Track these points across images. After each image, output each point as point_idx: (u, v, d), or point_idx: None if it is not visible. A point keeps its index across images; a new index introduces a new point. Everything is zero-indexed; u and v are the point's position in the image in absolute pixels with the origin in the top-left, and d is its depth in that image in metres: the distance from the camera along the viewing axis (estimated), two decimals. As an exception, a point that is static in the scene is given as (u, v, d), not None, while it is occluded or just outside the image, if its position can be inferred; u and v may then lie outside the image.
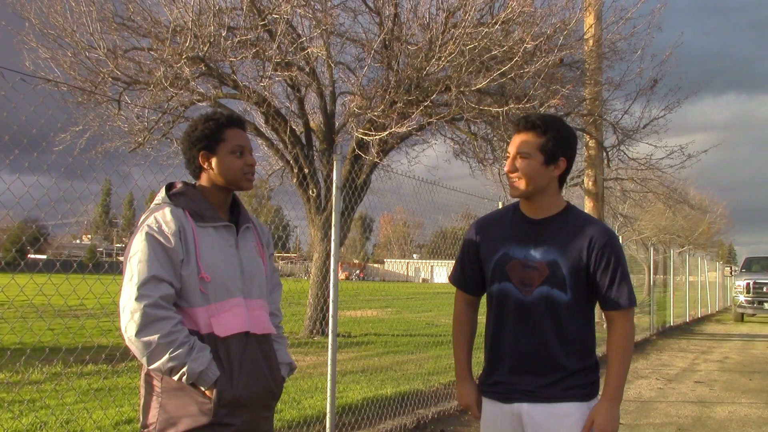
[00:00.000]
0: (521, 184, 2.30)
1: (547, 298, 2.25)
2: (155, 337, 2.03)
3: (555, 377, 2.25)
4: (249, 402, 2.19)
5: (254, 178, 2.38)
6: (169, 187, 2.30)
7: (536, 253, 2.28)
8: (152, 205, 2.25)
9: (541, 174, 2.30)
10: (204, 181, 2.32)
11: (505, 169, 2.34)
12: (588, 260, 2.25)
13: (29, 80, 3.40)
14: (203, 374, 2.07)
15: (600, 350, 10.24)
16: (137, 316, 2.03)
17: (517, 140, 2.32)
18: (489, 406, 2.39)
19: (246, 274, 2.28)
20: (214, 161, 2.28)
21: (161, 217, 2.16)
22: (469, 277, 2.50)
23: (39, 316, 9.02)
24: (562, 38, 9.45)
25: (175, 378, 2.08)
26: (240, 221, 2.35)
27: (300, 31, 10.12)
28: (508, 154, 2.36)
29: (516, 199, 2.44)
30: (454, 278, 2.58)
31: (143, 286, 2.05)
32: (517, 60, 8.70)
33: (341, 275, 44.15)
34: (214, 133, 2.29)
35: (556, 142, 2.30)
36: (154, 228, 2.13)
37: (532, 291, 2.26)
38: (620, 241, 2.38)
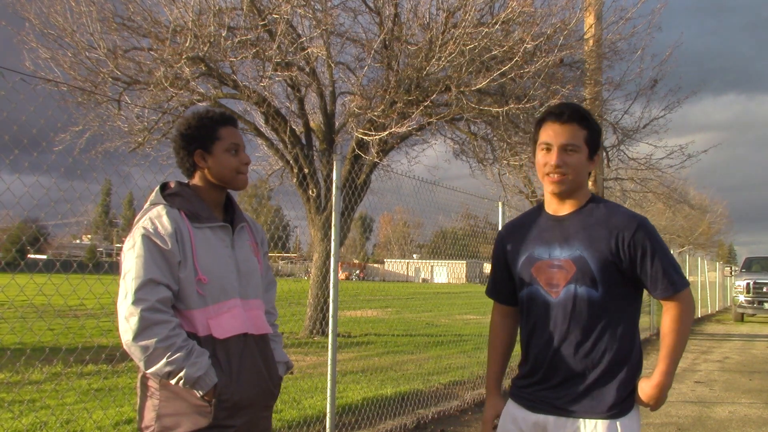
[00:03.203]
0: (567, 180, 2.14)
1: (575, 297, 2.10)
2: (152, 341, 2.00)
3: (586, 384, 2.10)
4: (249, 403, 2.17)
5: (248, 176, 2.35)
6: (164, 187, 2.27)
7: (561, 251, 2.14)
8: (146, 206, 2.22)
9: (586, 169, 2.18)
10: (198, 180, 2.28)
11: (554, 162, 2.12)
12: (619, 253, 2.09)
13: (29, 80, 3.41)
14: (201, 379, 2.05)
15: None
16: (134, 320, 2.00)
17: (564, 131, 2.13)
18: (513, 409, 2.25)
19: (242, 274, 2.26)
20: (210, 160, 2.25)
21: (157, 219, 2.13)
22: (502, 287, 2.37)
23: (39, 316, 9.02)
24: (562, 38, 9.45)
25: (173, 382, 2.06)
26: (235, 221, 2.32)
27: (300, 31, 10.12)
28: (546, 145, 2.15)
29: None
30: (489, 291, 2.45)
31: (140, 290, 2.02)
32: (517, 60, 8.70)
33: (341, 275, 44.10)
34: (209, 132, 2.25)
35: (597, 135, 2.19)
36: (150, 230, 2.09)
37: (559, 291, 2.12)
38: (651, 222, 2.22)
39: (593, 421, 2.09)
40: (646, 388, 2.12)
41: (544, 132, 2.18)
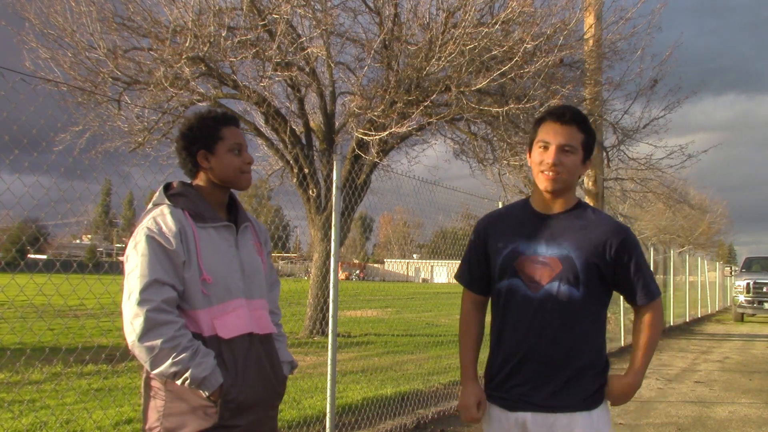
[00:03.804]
0: (561, 180, 2.19)
1: (558, 294, 2.17)
2: (158, 341, 1.99)
3: (561, 380, 2.18)
4: (254, 403, 2.17)
5: (252, 176, 2.34)
6: (167, 187, 2.26)
7: (547, 249, 2.20)
8: (150, 206, 2.21)
9: (578, 171, 2.24)
10: (201, 180, 2.28)
11: (551, 160, 2.17)
12: (605, 259, 2.19)
13: (29, 80, 3.41)
14: (207, 380, 2.05)
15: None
16: (139, 320, 1.99)
17: (563, 132, 2.19)
18: (495, 412, 2.31)
19: (247, 274, 2.26)
20: (212, 160, 2.24)
21: (161, 219, 2.12)
22: (476, 275, 2.39)
23: (39, 316, 9.02)
24: (562, 38, 9.45)
25: (179, 383, 2.05)
26: (239, 220, 2.32)
27: (300, 31, 10.12)
28: (545, 143, 2.21)
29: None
30: (461, 277, 2.47)
31: (145, 290, 2.01)
32: (517, 60, 8.70)
33: (341, 275, 44.10)
34: (211, 132, 2.25)
35: (593, 141, 2.26)
36: (154, 230, 2.08)
37: (541, 287, 2.18)
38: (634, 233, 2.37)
39: (569, 414, 2.18)
40: (620, 385, 2.26)
41: (543, 131, 2.23)
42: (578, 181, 2.28)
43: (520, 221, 2.30)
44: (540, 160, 2.21)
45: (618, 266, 2.20)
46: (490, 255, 2.32)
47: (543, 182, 2.22)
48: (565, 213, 2.26)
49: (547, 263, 2.19)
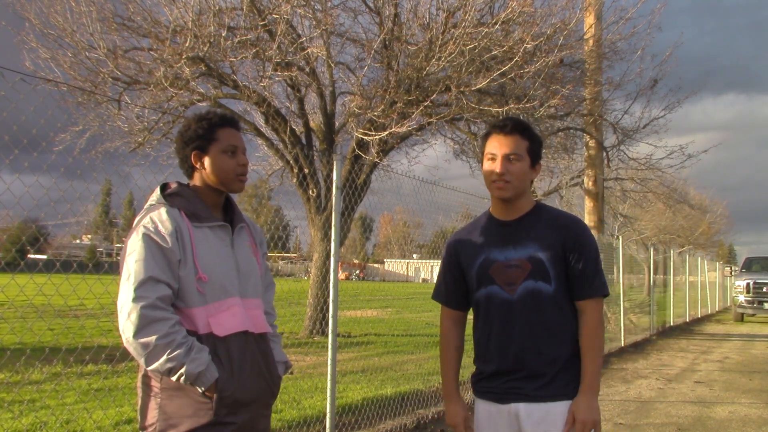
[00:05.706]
0: (511, 187, 2.32)
1: (533, 292, 2.28)
2: (153, 338, 2.01)
3: (549, 373, 2.26)
4: (249, 401, 2.19)
5: (246, 179, 2.34)
6: (164, 187, 2.28)
7: (516, 252, 2.31)
8: (147, 206, 2.23)
9: (528, 176, 2.36)
10: (197, 180, 2.30)
11: (498, 170, 2.30)
12: (566, 250, 2.31)
13: (29, 80, 3.39)
14: (202, 375, 2.06)
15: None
16: (134, 317, 2.02)
17: (507, 142, 2.32)
18: (484, 407, 2.38)
19: (242, 273, 2.27)
20: (206, 161, 2.26)
21: (157, 218, 2.14)
22: (453, 292, 2.50)
23: (39, 316, 9.02)
24: (562, 38, 9.45)
25: (174, 379, 2.07)
26: (234, 221, 2.34)
27: (300, 31, 10.12)
28: (491, 155, 2.34)
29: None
30: (438, 295, 2.57)
31: (140, 287, 2.03)
32: (517, 60, 8.70)
33: (341, 275, 44.08)
34: (206, 133, 2.26)
35: (538, 146, 2.39)
36: (151, 229, 2.11)
37: (517, 288, 2.29)
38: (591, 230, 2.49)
39: (559, 402, 2.26)
40: (581, 414, 2.24)
41: (490, 144, 2.37)
42: (528, 185, 2.40)
43: (487, 231, 2.42)
44: (490, 171, 2.33)
45: (572, 258, 2.31)
46: (464, 269, 2.44)
47: (496, 191, 2.34)
48: (525, 216, 2.37)
49: (519, 265, 2.30)
